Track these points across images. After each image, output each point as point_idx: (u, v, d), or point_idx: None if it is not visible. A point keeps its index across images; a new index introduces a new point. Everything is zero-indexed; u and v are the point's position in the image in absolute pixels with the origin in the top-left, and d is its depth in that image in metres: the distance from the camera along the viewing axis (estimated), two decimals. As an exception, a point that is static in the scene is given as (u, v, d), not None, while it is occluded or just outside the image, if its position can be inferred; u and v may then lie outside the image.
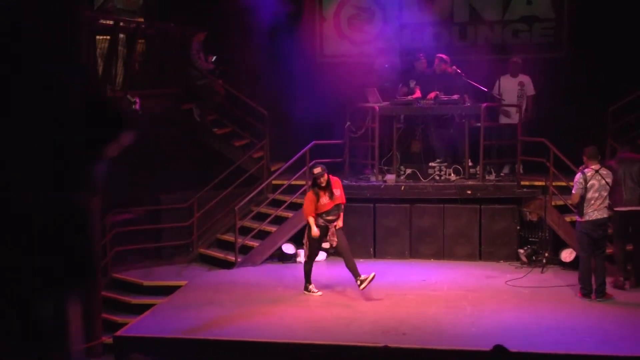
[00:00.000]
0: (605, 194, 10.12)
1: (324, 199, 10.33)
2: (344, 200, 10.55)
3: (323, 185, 10.31)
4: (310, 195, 10.46)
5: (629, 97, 12.44)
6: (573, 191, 10.23)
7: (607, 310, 9.73)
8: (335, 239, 10.31)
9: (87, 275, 3.14)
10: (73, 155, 3.04)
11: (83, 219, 3.11)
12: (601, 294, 10.13)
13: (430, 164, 12.72)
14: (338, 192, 10.42)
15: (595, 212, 10.10)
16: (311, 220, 10.31)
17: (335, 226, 10.33)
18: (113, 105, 3.63)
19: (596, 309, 9.82)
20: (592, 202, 10.07)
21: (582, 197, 10.08)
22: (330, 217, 10.35)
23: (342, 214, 10.49)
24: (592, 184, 10.08)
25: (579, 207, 10.16)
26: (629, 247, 10.74)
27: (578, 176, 10.17)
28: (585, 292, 10.21)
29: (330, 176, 10.45)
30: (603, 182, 10.09)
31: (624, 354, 8.28)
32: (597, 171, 10.14)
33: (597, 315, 9.57)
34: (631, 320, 9.34)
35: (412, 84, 13.17)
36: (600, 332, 8.91)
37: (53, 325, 3.05)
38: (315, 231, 10.25)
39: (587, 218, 10.13)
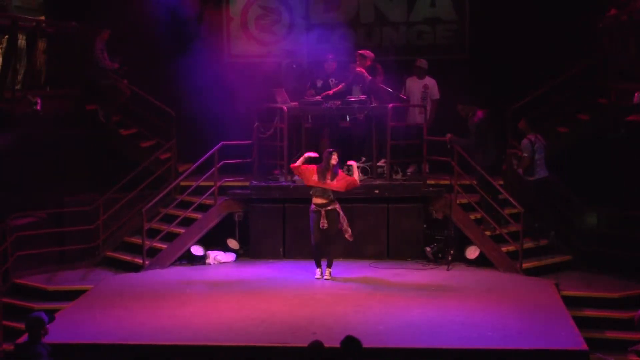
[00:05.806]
0: (543, 155, 11.77)
1: (316, 177, 11.02)
2: (341, 188, 11.10)
3: (326, 166, 11.01)
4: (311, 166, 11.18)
5: (527, 98, 12.83)
6: (525, 154, 11.68)
7: (509, 306, 10.01)
8: (326, 223, 11.08)
9: None
10: None
11: None
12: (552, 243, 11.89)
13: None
14: (335, 182, 11.04)
15: (541, 170, 11.75)
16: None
17: (326, 210, 11.08)
18: None
19: (499, 304, 10.09)
20: (538, 162, 11.71)
21: (532, 159, 11.64)
22: (318, 201, 11.10)
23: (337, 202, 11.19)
24: (537, 146, 11.71)
25: (529, 168, 11.67)
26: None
27: (526, 142, 11.69)
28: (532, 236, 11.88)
29: (340, 171, 11.19)
30: (542, 145, 11.81)
31: (523, 347, 8.55)
32: (537, 137, 11.80)
33: (499, 311, 9.83)
34: (531, 316, 9.62)
35: (320, 84, 13.26)
36: (502, 327, 9.16)
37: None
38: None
39: (536, 176, 11.72)
